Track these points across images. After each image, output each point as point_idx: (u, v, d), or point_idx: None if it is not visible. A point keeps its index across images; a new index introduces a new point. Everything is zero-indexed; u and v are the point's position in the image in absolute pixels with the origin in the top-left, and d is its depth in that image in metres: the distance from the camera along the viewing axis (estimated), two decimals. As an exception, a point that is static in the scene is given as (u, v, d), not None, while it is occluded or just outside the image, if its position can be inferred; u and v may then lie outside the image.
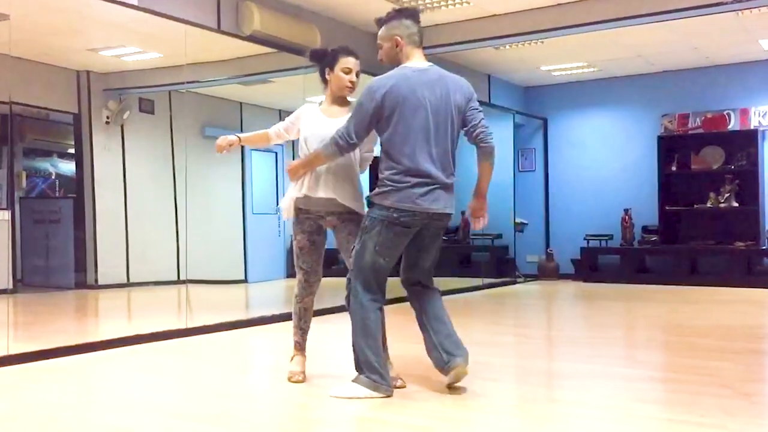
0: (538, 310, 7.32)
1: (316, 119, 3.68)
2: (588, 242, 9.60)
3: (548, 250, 10.02)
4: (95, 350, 4.64)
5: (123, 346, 4.79)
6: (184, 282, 8.10)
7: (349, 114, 3.49)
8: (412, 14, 3.53)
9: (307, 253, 3.75)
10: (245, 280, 9.80)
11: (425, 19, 7.32)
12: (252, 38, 6.39)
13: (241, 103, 10.20)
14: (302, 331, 3.87)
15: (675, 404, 3.32)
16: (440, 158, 3.46)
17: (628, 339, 5.52)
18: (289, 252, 10.64)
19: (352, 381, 3.42)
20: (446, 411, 3.22)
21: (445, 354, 3.43)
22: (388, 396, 3.34)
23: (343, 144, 3.42)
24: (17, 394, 3.68)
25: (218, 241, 9.45)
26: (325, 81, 3.73)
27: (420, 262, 3.58)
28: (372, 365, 3.38)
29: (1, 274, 5.75)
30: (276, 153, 10.82)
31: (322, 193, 3.61)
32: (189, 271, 7.02)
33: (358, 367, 3.43)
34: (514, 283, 9.32)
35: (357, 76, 3.71)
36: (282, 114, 10.97)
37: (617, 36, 7.60)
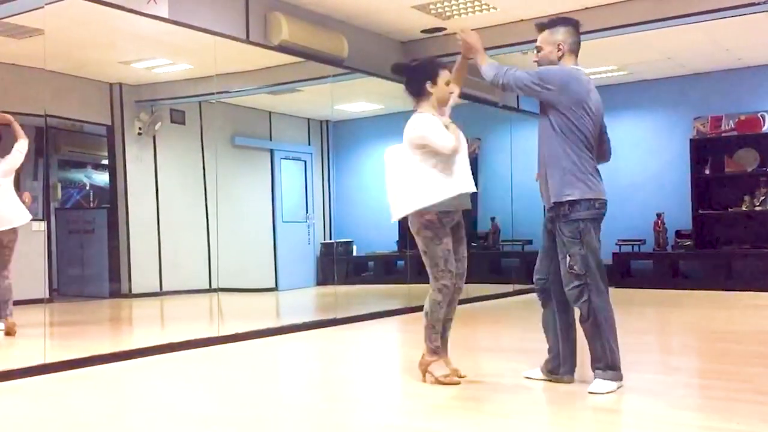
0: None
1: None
2: (620, 247, 9.49)
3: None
4: (129, 358, 4.70)
5: (156, 354, 4.85)
6: (215, 290, 8.18)
7: None
8: (575, 23, 3.72)
9: (453, 254, 3.73)
10: (276, 288, 9.86)
11: (451, 25, 7.36)
12: (280, 48, 6.45)
13: (270, 112, 10.30)
14: (441, 336, 3.85)
15: (710, 411, 3.27)
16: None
17: (662, 345, 5.45)
18: (320, 259, 10.70)
19: (603, 379, 3.47)
20: (474, 417, 3.20)
21: (563, 366, 3.66)
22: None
23: (499, 82, 3.67)
24: (54, 402, 3.74)
25: (249, 249, 9.53)
26: (419, 93, 3.82)
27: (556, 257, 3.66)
28: (617, 361, 3.50)
29: (37, 284, 5.85)
30: (305, 161, 10.90)
31: (470, 187, 3.72)
32: (220, 279, 7.08)
33: (612, 365, 3.49)
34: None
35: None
36: (311, 122, 11.06)
37: (647, 38, 7.52)
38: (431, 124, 3.70)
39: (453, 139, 3.64)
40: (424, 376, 3.79)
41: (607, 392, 3.45)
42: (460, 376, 3.75)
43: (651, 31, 7.04)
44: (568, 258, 3.48)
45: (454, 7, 6.80)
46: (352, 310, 7.33)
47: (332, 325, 6.21)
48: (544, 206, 3.72)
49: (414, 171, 3.71)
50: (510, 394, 3.58)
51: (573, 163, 3.50)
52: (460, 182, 3.69)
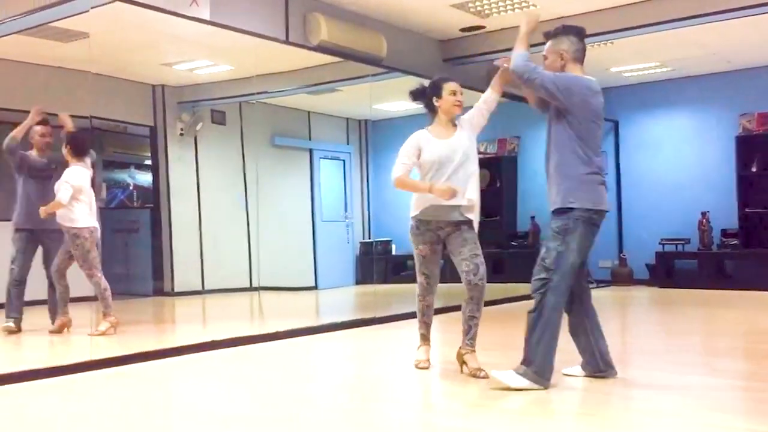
0: (612, 316, 7.14)
1: (431, 143, 4.06)
2: (663, 247, 9.32)
3: (621, 255, 9.78)
4: (172, 356, 4.78)
5: (198, 352, 4.92)
6: (256, 289, 8.27)
7: (460, 130, 4.11)
8: (578, 32, 3.80)
9: (426, 260, 4.20)
10: (315, 287, 9.92)
11: (490, 23, 7.32)
12: (319, 48, 6.49)
13: (309, 112, 10.37)
14: (426, 324, 4.24)
15: (756, 414, 3.19)
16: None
17: (707, 346, 5.33)
18: (359, 259, 10.73)
19: (517, 372, 3.53)
20: (512, 416, 3.18)
21: (603, 363, 3.72)
22: (545, 388, 3.51)
23: (525, 76, 3.67)
24: (98, 398, 3.82)
25: (289, 248, 9.61)
26: (433, 110, 4.15)
27: (585, 260, 3.73)
28: (545, 365, 3.52)
29: (84, 283, 5.98)
30: (344, 161, 10.94)
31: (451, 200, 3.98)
32: (261, 278, 7.15)
33: (528, 361, 3.52)
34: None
35: (461, 94, 4.15)
36: (349, 122, 11.10)
37: (691, 34, 7.37)
38: (406, 147, 4.11)
39: (397, 173, 4.04)
40: (461, 367, 3.98)
41: (516, 387, 3.49)
42: (478, 376, 3.83)
43: (695, 27, 6.91)
44: (543, 250, 3.62)
45: (493, 5, 6.76)
46: (391, 309, 7.34)
47: (371, 325, 6.23)
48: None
49: None
50: (547, 392, 3.54)
51: (584, 174, 3.56)
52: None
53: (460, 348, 4.01)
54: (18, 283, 5.94)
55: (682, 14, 6.54)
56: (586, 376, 3.78)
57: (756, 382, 3.92)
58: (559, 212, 3.58)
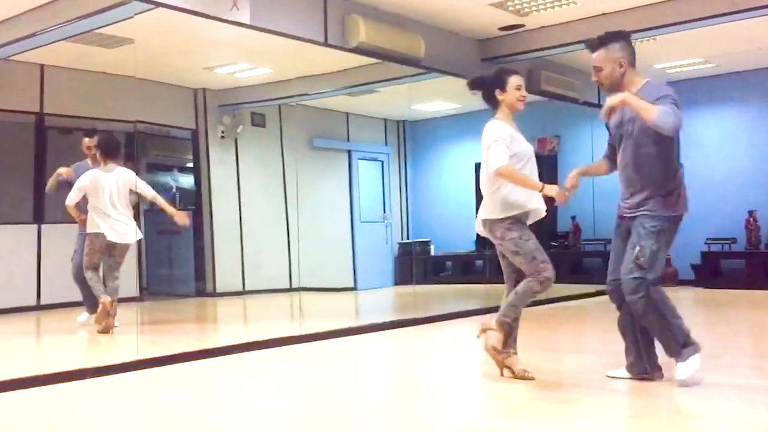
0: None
1: (517, 135, 3.88)
2: (709, 246, 9.13)
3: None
4: (215, 356, 4.84)
5: (240, 352, 4.97)
6: (296, 290, 8.33)
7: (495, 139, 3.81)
8: (625, 36, 3.73)
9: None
10: (355, 288, 9.95)
11: (531, 21, 7.26)
12: (358, 50, 6.51)
13: (347, 113, 10.41)
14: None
15: (810, 419, 3.11)
16: None
17: (757, 348, 5.21)
18: (398, 259, 10.74)
19: (682, 361, 3.53)
20: (556, 417, 3.15)
21: (649, 365, 3.70)
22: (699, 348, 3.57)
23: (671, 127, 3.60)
24: (144, 397, 3.89)
25: (328, 249, 9.65)
26: (494, 103, 3.95)
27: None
28: (687, 333, 3.57)
29: (129, 283, 6.12)
30: (382, 162, 10.96)
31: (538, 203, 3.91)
32: (301, 279, 7.20)
33: (684, 344, 3.54)
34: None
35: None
36: (387, 123, 11.12)
37: (736, 29, 7.20)
38: (502, 134, 3.80)
39: (504, 160, 3.73)
40: (480, 334, 3.91)
41: (694, 370, 3.50)
42: (526, 378, 3.79)
43: (739, 22, 6.75)
44: (637, 249, 3.55)
45: (532, 3, 6.70)
46: (430, 309, 7.33)
47: (411, 325, 6.23)
48: (619, 206, 3.76)
49: (492, 178, 3.83)
50: (592, 395, 3.50)
51: (676, 186, 3.64)
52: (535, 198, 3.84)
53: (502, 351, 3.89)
54: (76, 279, 6.23)
55: (727, 9, 6.39)
56: (631, 378, 3.73)
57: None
58: (649, 216, 3.59)
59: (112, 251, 6.07)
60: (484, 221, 3.90)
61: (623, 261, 3.61)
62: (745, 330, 6.08)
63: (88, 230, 6.02)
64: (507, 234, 3.81)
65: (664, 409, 3.38)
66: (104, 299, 5.77)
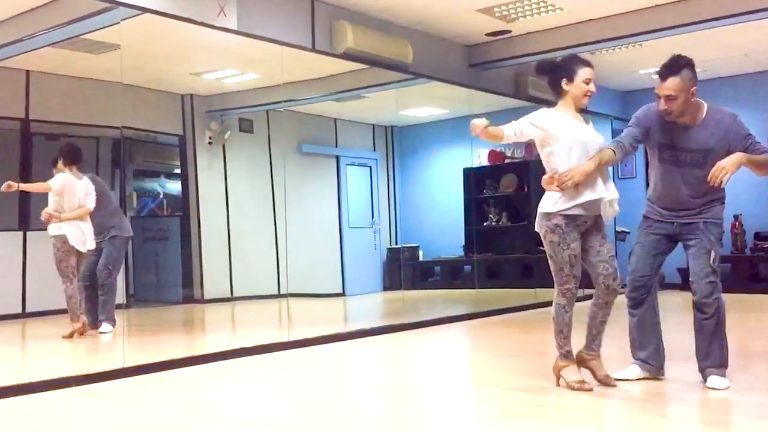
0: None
1: (574, 126, 3.64)
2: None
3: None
4: (203, 363, 4.82)
5: (228, 358, 4.95)
6: (284, 296, 8.30)
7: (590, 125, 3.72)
8: (692, 62, 3.80)
9: (578, 260, 3.65)
10: (343, 294, 9.93)
11: (517, 27, 7.29)
12: (345, 56, 6.52)
13: (335, 119, 10.40)
14: (594, 338, 3.78)
15: (796, 421, 3.13)
16: None
17: (742, 350, 5.24)
18: (386, 265, 10.73)
19: (721, 375, 3.63)
20: (546, 422, 3.15)
21: (658, 363, 3.84)
22: None
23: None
24: (132, 405, 3.87)
25: (316, 255, 9.63)
26: (559, 91, 3.72)
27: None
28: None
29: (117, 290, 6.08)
30: (370, 167, 10.96)
31: (601, 193, 3.60)
32: (289, 285, 7.18)
33: (726, 362, 3.69)
34: (618, 293, 8.99)
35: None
36: (376, 128, 11.12)
37: (720, 35, 7.28)
38: (541, 123, 3.61)
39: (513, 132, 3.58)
40: (557, 380, 3.72)
41: (726, 387, 3.58)
42: (610, 384, 3.66)
43: (724, 28, 6.82)
44: (713, 254, 3.64)
45: (519, 9, 6.73)
46: (419, 315, 7.33)
47: (400, 331, 6.22)
48: (656, 210, 3.81)
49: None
50: (583, 399, 3.50)
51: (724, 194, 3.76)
52: (591, 188, 3.59)
53: (582, 352, 3.73)
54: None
55: (712, 15, 6.46)
56: (638, 378, 3.81)
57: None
58: (716, 224, 3.71)
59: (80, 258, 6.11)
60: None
61: (699, 265, 3.64)
62: (731, 333, 6.11)
63: (50, 233, 6.05)
64: (547, 235, 3.62)
65: (651, 413, 3.39)
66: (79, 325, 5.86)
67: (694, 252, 3.66)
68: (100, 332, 6.14)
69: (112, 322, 6.20)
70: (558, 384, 3.71)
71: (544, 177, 3.58)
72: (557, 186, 3.49)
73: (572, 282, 3.63)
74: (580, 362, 3.71)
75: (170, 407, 3.76)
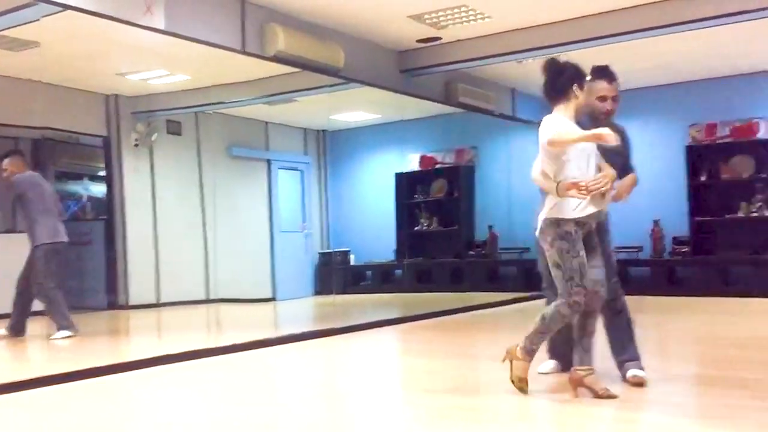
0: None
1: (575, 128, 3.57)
2: (617, 254, 9.49)
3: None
4: (128, 370, 4.68)
5: (155, 365, 4.83)
6: (213, 301, 8.18)
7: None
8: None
9: (586, 269, 3.48)
10: (274, 298, 9.85)
11: (448, 34, 7.39)
12: (276, 59, 6.47)
13: (266, 122, 10.32)
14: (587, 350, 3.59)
15: (710, 417, 3.26)
16: None
17: (661, 351, 5.44)
18: (318, 269, 10.69)
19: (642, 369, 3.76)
20: (472, 424, 3.20)
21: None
22: None
23: None
24: (53, 414, 3.73)
25: (246, 259, 9.53)
26: (563, 94, 3.60)
27: None
28: None
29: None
30: (302, 171, 10.91)
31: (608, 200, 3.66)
32: (218, 290, 7.08)
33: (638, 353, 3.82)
34: (543, 296, 9.22)
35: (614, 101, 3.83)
36: (308, 132, 11.08)
37: (639, 47, 7.54)
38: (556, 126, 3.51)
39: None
40: (504, 359, 3.62)
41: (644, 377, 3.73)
42: (611, 396, 3.46)
43: (644, 39, 7.08)
44: (613, 255, 3.94)
45: (449, 17, 6.82)
46: (350, 319, 7.33)
47: (331, 335, 6.20)
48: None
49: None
50: (508, 401, 3.57)
51: None
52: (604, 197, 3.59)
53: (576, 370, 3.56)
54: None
55: (632, 28, 6.68)
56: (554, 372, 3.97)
57: (708, 386, 4.00)
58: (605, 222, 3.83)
59: None
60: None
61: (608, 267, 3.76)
62: (650, 334, 6.33)
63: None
64: (555, 243, 3.48)
65: (567, 411, 3.47)
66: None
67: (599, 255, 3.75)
68: (51, 338, 5.96)
69: (65, 329, 6.00)
70: (503, 361, 3.61)
71: (564, 184, 3.43)
72: (586, 192, 3.39)
73: (582, 295, 3.44)
74: (577, 382, 3.50)
75: (92, 416, 3.64)
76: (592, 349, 3.56)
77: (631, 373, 3.71)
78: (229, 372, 4.80)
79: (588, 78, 3.70)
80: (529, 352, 3.55)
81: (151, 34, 5.49)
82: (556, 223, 3.48)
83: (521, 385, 3.55)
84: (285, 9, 6.44)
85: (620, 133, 3.81)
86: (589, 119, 3.75)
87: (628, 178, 3.84)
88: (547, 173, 3.54)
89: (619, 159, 3.80)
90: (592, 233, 3.63)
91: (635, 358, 3.79)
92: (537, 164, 3.65)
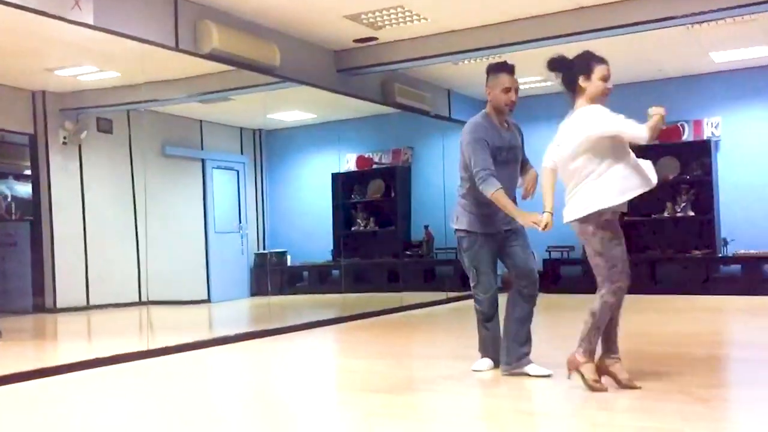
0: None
1: None
2: (550, 254, 9.70)
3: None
4: (55, 374, 4.54)
5: (84, 369, 4.70)
6: (145, 303, 7.99)
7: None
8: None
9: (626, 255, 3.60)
10: (208, 300, 9.69)
11: (384, 35, 7.41)
12: (210, 56, 6.37)
13: (201, 121, 10.14)
14: (613, 340, 3.75)
15: (637, 411, 3.37)
16: None
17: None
18: (253, 270, 10.57)
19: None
20: (407, 423, 3.21)
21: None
22: None
23: None
24: (-28, 423, 3.58)
25: (180, 260, 9.34)
26: (574, 89, 3.68)
27: None
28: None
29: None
30: (238, 171, 10.77)
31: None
32: (150, 292, 6.92)
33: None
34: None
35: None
36: (243, 131, 10.94)
37: (568, 50, 7.70)
38: (608, 113, 3.56)
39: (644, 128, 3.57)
40: (570, 372, 3.64)
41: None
42: (634, 387, 3.58)
43: (573, 44, 7.24)
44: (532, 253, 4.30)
45: (385, 17, 6.85)
46: (286, 320, 7.28)
47: (266, 336, 6.15)
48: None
49: (591, 171, 3.62)
50: (448, 398, 3.60)
51: None
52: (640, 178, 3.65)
53: (603, 358, 3.69)
54: None
55: (562, 31, 6.85)
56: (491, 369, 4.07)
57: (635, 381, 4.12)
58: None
59: None
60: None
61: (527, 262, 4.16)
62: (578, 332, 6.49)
63: None
64: (598, 232, 3.57)
65: (504, 408, 3.53)
66: None
67: (519, 251, 4.10)
68: None
69: None
70: (569, 377, 3.61)
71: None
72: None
73: (624, 279, 3.56)
74: (602, 370, 3.60)
75: (16, 423, 3.51)
76: (616, 337, 3.70)
77: (534, 371, 3.96)
78: (160, 376, 4.70)
79: (489, 74, 4.07)
80: (591, 352, 3.58)
81: (81, 29, 5.33)
82: (596, 214, 3.56)
83: (597, 386, 3.52)
84: (219, 6, 6.35)
85: (515, 128, 4.15)
86: (494, 111, 4.09)
87: (533, 175, 4.16)
88: (577, 167, 3.63)
89: (521, 155, 4.08)
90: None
91: (530, 352, 4.04)
92: (553, 155, 3.81)
